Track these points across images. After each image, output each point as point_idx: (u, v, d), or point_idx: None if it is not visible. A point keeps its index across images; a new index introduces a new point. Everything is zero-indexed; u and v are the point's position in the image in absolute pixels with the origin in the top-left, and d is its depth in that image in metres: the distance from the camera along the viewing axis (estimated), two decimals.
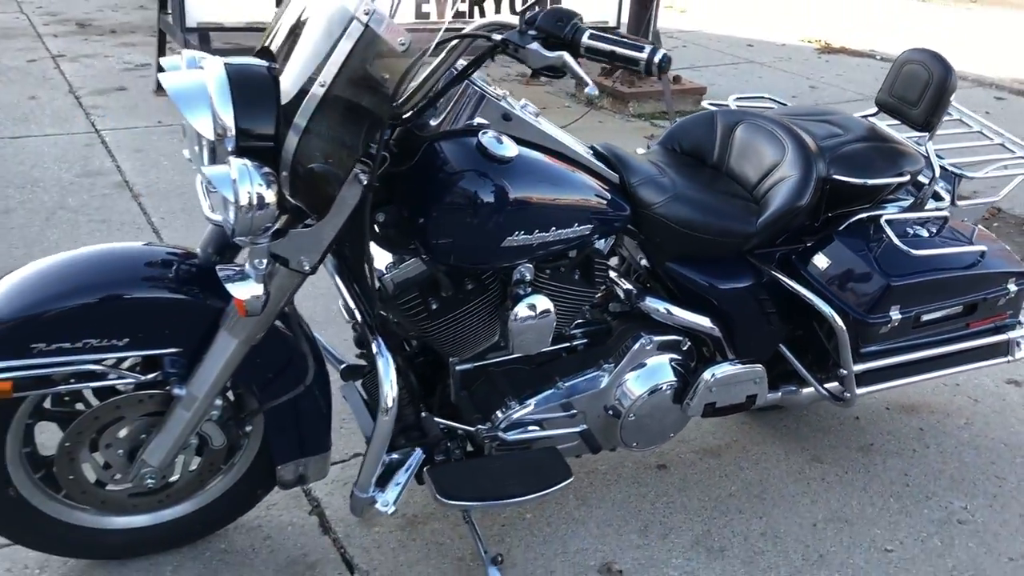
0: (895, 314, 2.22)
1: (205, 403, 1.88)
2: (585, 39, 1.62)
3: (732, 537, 2.34)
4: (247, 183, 1.52)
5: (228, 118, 1.55)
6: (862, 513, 2.44)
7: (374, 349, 1.84)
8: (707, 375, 2.24)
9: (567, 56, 1.60)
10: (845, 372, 2.28)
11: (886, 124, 2.54)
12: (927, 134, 2.44)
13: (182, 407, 1.87)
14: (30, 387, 1.77)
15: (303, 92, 1.56)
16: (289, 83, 1.60)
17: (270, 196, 1.55)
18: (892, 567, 2.27)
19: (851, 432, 2.78)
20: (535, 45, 1.61)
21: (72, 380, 1.79)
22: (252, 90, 1.59)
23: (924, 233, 2.33)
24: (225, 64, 1.62)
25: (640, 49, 1.61)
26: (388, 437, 1.88)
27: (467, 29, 1.75)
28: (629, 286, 2.20)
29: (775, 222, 2.19)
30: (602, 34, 1.64)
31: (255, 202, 1.54)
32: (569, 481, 2.04)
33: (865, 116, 2.60)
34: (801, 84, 7.10)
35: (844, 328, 2.19)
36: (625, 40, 1.64)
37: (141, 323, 1.78)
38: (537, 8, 1.66)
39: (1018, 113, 6.56)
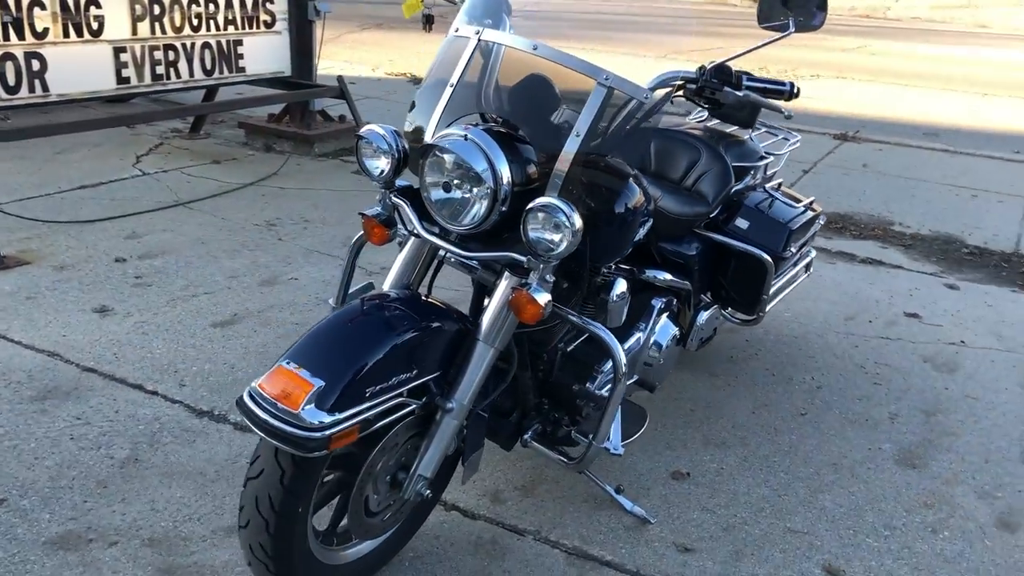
0: (793, 248, 3.29)
1: (467, 409, 2.26)
2: (745, 81, 2.36)
3: (726, 431, 3.22)
4: (574, 212, 2.03)
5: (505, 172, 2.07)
6: (774, 393, 3.49)
7: (597, 331, 2.36)
8: (700, 319, 3.09)
9: (752, 94, 2.33)
10: (766, 297, 3.29)
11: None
12: (750, 130, 3.54)
13: (451, 417, 2.23)
14: (368, 426, 2.03)
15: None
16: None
17: (579, 223, 2.06)
18: (807, 420, 3.34)
19: (749, 358, 3.81)
20: (726, 88, 2.31)
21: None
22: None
23: (779, 196, 3.43)
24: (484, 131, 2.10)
25: (781, 84, 2.40)
26: (621, 398, 2.42)
27: (667, 78, 2.33)
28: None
29: (722, 200, 3.12)
30: (750, 76, 2.40)
31: (579, 227, 2.05)
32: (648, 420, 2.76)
33: (700, 120, 3.63)
34: None
35: (772, 263, 3.18)
36: (765, 79, 2.41)
37: (418, 357, 2.13)
38: (707, 65, 2.35)
39: None
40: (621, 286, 2.51)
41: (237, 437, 2.97)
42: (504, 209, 2.11)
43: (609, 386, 2.58)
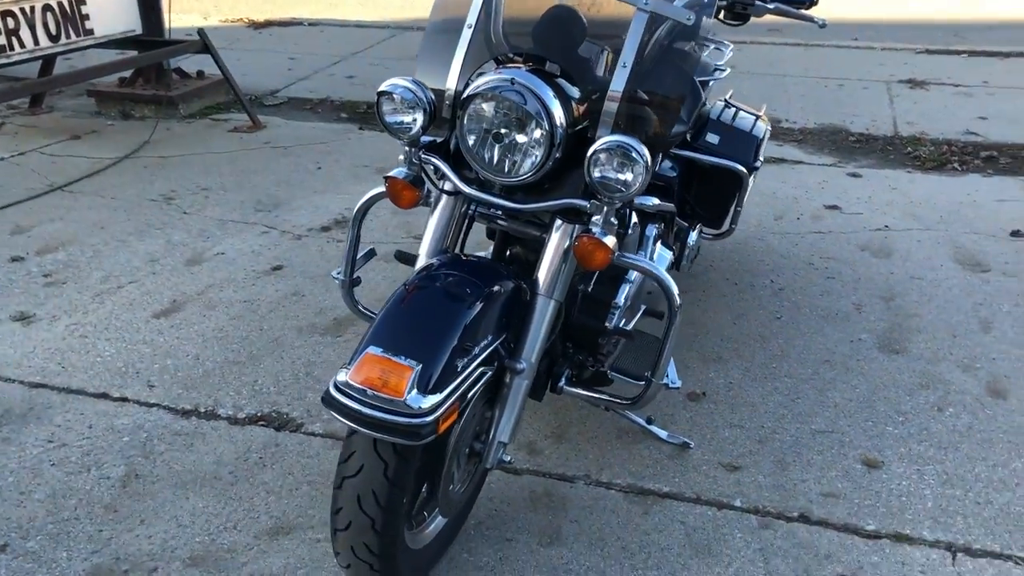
0: (761, 158, 3.33)
1: (535, 367, 2.18)
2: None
3: (718, 345, 3.28)
4: (644, 149, 1.95)
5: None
6: (744, 301, 3.58)
7: (650, 268, 2.31)
8: (691, 240, 3.10)
9: (782, 5, 2.29)
10: (740, 209, 3.33)
11: None
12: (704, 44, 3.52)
13: (522, 378, 2.15)
14: (463, 401, 1.93)
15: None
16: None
17: (650, 159, 1.99)
18: (785, 323, 3.45)
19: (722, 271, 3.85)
20: (757, 3, 2.25)
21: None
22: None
23: (736, 107, 3.45)
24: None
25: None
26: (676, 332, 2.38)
27: None
28: None
29: (697, 117, 3.10)
30: None
31: (650, 164, 1.98)
32: None
33: None
34: (282, 59, 7.66)
35: (747, 174, 3.22)
36: None
37: (489, 321, 2.02)
38: None
39: None
40: (633, 217, 2.46)
41: (237, 432, 2.76)
42: (559, 155, 2.00)
43: (632, 320, 2.55)
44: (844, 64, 7.44)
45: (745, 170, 3.14)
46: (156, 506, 2.47)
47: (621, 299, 2.58)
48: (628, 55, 2.02)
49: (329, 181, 4.86)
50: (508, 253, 2.46)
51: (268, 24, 8.94)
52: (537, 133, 1.97)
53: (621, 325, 2.48)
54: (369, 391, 1.77)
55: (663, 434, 2.73)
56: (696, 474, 2.60)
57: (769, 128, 3.51)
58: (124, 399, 2.94)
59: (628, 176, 1.94)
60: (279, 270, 3.82)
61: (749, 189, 3.21)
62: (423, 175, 2.18)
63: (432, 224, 2.20)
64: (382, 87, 2.08)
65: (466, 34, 2.13)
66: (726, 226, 3.35)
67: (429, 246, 2.19)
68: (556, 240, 2.11)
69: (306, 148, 5.41)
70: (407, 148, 2.14)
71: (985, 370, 3.12)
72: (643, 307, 2.78)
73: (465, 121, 2.02)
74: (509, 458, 2.17)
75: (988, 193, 4.75)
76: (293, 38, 8.38)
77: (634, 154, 1.91)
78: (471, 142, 2.04)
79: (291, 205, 4.52)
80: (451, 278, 2.01)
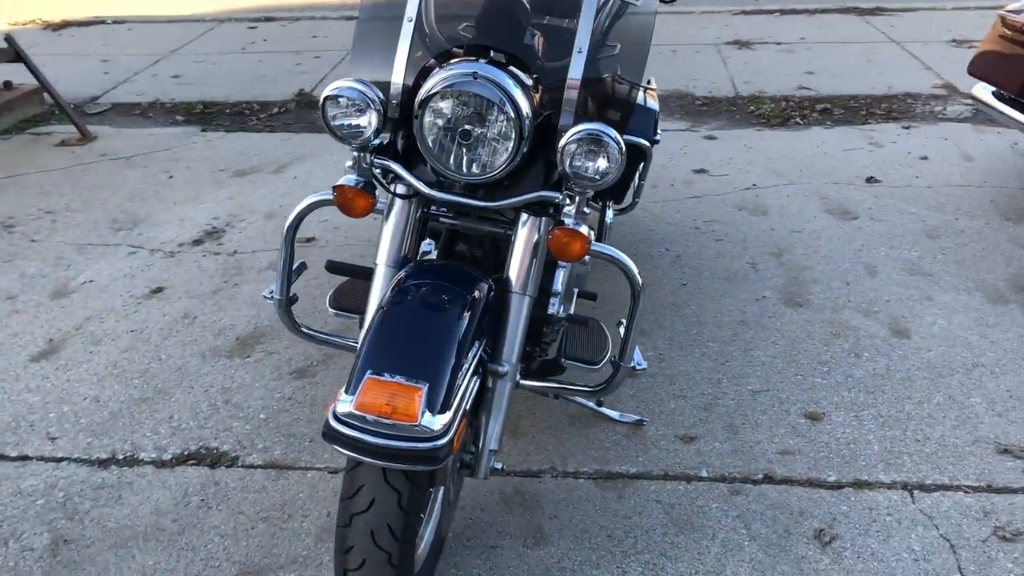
0: (660, 131, 3.38)
1: (517, 368, 2.13)
2: None
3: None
4: (618, 136, 1.93)
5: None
6: (647, 271, 3.64)
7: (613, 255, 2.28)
8: (608, 218, 3.11)
9: None
10: (643, 183, 3.37)
11: None
12: None
13: (505, 380, 2.09)
14: (467, 415, 1.86)
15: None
16: None
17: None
18: (692, 289, 3.53)
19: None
20: None
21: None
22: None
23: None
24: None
25: None
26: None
27: None
28: None
29: None
30: None
31: (624, 151, 1.95)
32: None
33: None
34: (93, 62, 7.10)
35: (649, 147, 3.26)
36: None
37: (474, 330, 1.96)
38: None
39: None
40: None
41: (168, 476, 2.55)
42: (526, 148, 1.94)
43: (571, 305, 2.53)
44: (670, 30, 7.67)
45: (648, 144, 3.16)
46: (98, 572, 2.23)
47: (558, 285, 2.54)
48: (583, 40, 1.97)
49: (187, 190, 4.55)
50: (454, 251, 2.38)
51: (66, 24, 8.25)
52: (506, 127, 1.89)
53: (560, 312, 2.45)
54: (378, 419, 1.65)
55: (615, 415, 2.73)
56: (657, 450, 2.61)
57: (657, 99, 3.55)
58: (24, 457, 2.64)
59: (603, 164, 1.89)
60: (160, 292, 3.54)
61: (651, 162, 3.24)
62: (375, 180, 2.05)
63: (388, 231, 2.09)
64: (328, 91, 1.94)
65: (407, 28, 2.01)
66: (628, 200, 3.37)
67: (387, 255, 2.08)
68: (524, 235, 2.05)
69: (149, 157, 5.04)
70: (356, 153, 2.01)
71: (884, 313, 3.31)
72: (576, 290, 2.76)
73: (425, 121, 1.91)
74: (501, 465, 2.10)
75: (835, 144, 5.03)
76: (98, 38, 7.78)
77: (609, 142, 1.87)
78: (431, 142, 1.93)
79: (152, 220, 4.20)
80: (429, 288, 1.91)
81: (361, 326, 2.54)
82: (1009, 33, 4.08)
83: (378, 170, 2.04)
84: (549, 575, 2.20)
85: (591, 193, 1.97)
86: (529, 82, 1.99)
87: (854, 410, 2.77)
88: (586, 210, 2.00)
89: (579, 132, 1.87)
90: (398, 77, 2.00)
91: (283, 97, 6.00)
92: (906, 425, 2.69)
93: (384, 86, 2.01)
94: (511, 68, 1.97)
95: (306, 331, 2.42)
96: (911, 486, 2.46)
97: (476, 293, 1.93)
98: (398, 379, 1.68)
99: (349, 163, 2.04)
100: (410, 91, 2.00)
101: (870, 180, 4.48)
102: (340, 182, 2.02)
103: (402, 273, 1.97)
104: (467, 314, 1.85)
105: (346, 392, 1.71)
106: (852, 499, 2.41)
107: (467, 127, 1.90)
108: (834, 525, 2.32)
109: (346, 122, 1.96)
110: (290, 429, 2.74)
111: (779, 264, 3.68)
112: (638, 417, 2.70)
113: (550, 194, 1.98)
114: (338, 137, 1.98)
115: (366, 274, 2.53)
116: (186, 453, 2.64)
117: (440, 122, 1.91)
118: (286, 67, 6.70)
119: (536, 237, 2.04)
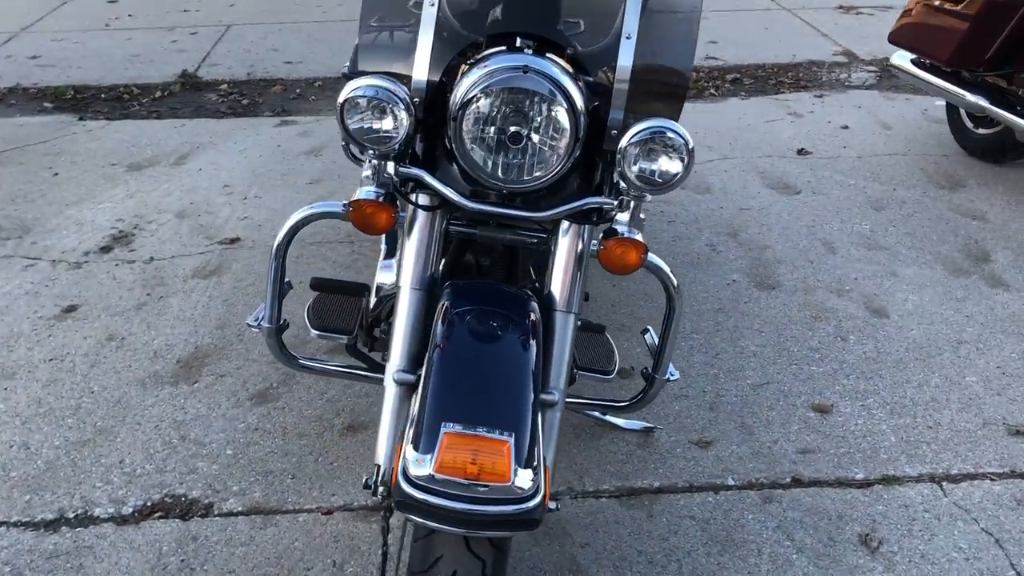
0: None
1: (565, 395, 1.92)
2: None
3: (610, 313, 3.14)
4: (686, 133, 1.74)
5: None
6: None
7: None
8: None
9: None
10: None
11: None
12: None
13: (556, 410, 1.87)
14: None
15: None
16: None
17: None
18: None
19: None
20: None
21: None
22: None
23: None
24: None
25: None
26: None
27: None
28: None
29: None
30: None
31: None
32: None
33: None
34: None
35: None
36: None
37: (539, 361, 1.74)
38: None
39: None
40: None
41: (134, 535, 2.21)
42: (579, 150, 1.71)
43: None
44: None
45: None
46: None
47: None
48: (631, 24, 1.75)
49: (77, 189, 4.06)
50: (461, 262, 2.14)
51: None
52: (561, 126, 1.65)
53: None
54: (467, 483, 1.40)
55: (621, 423, 2.55)
56: (674, 459, 2.45)
57: None
58: None
59: (673, 167, 1.68)
60: (74, 311, 3.11)
61: None
62: (396, 192, 1.77)
63: (412, 248, 1.81)
64: (346, 94, 1.64)
65: (429, 13, 1.73)
66: None
67: (414, 276, 1.81)
68: (567, 245, 1.82)
69: (25, 151, 4.48)
70: (375, 162, 1.72)
71: (855, 291, 3.25)
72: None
73: (466, 125, 1.65)
74: (556, 505, 1.87)
75: (755, 115, 4.98)
76: None
77: (679, 141, 1.65)
78: (470, 146, 1.67)
79: (44, 226, 3.71)
80: (483, 317, 1.66)
81: (351, 347, 2.27)
82: (937, 3, 4.08)
83: (396, 181, 1.76)
84: None
85: (649, 198, 1.75)
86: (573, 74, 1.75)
87: (859, 399, 2.68)
88: (642, 215, 1.78)
89: (643, 131, 1.65)
90: (421, 73, 1.72)
91: (165, 79, 5.49)
92: (914, 412, 2.63)
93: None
94: (554, 58, 1.72)
95: (304, 363, 2.12)
96: (938, 478, 2.39)
97: (532, 316, 1.70)
98: (480, 432, 1.43)
99: (367, 173, 1.75)
100: (436, 89, 1.73)
101: (801, 152, 4.45)
102: (358, 196, 1.73)
103: (445, 301, 1.70)
104: (531, 343, 1.63)
105: (415, 448, 1.44)
106: (885, 497, 2.32)
107: (516, 129, 1.65)
108: (876, 528, 2.22)
109: (370, 126, 1.66)
110: (265, 465, 2.42)
111: (738, 245, 3.58)
112: (646, 424, 2.53)
113: (605, 200, 1.75)
114: (361, 144, 1.68)
115: (354, 290, 2.25)
116: (150, 504, 2.30)
117: (485, 125, 1.65)
118: (161, 45, 6.14)
119: (580, 247, 1.82)
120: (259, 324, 2.07)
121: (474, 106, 1.63)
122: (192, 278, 3.30)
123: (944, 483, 2.37)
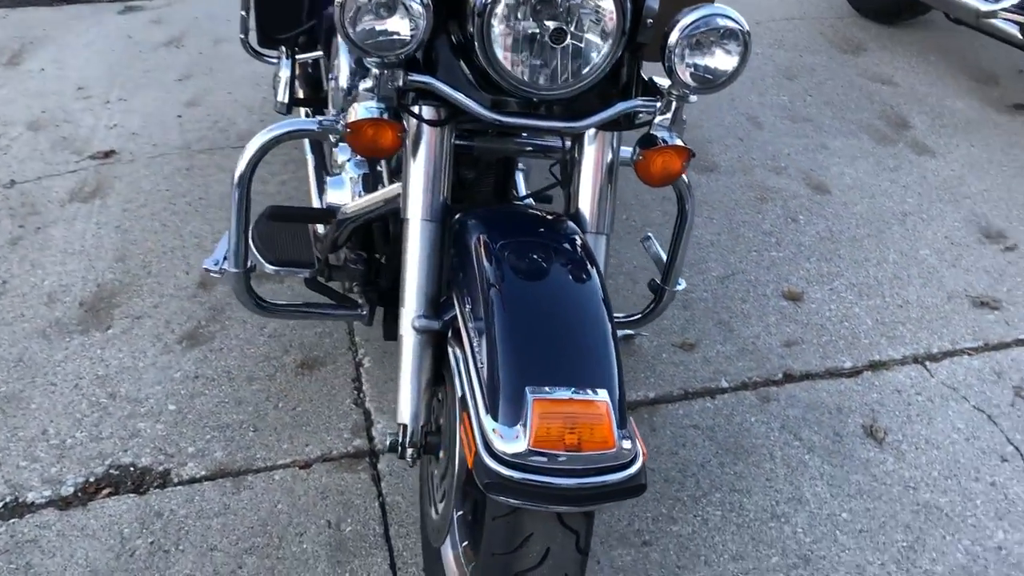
0: None
1: None
2: None
3: None
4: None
5: None
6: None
7: None
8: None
9: None
10: None
11: None
12: None
13: None
14: None
15: None
16: None
17: None
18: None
19: None
20: None
21: None
22: None
23: None
24: None
25: None
26: None
27: None
28: None
29: None
30: None
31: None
32: None
33: None
34: None
35: None
36: None
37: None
38: None
39: None
40: None
41: (84, 518, 1.91)
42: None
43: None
44: None
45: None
46: None
47: (522, 190, 2.17)
48: None
49: None
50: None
51: None
52: (611, 16, 1.40)
53: None
54: (566, 454, 1.20)
55: None
56: (663, 365, 2.33)
57: None
58: None
59: (730, 61, 1.47)
60: None
61: None
62: (400, 106, 1.48)
63: (420, 171, 1.54)
64: None
65: None
66: None
67: (424, 205, 1.54)
68: (594, 156, 1.60)
69: None
70: (378, 71, 1.42)
71: (792, 168, 3.18)
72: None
73: (495, 23, 1.37)
74: None
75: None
76: None
77: (738, 30, 1.44)
78: (499, 48, 1.40)
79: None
80: (532, 250, 1.44)
81: (311, 280, 1.99)
82: None
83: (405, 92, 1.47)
84: (625, 540, 1.88)
85: (695, 98, 1.54)
86: None
87: (826, 282, 2.64)
88: (684, 117, 1.57)
89: (696, 21, 1.42)
90: None
91: None
92: (881, 291, 2.61)
93: None
94: None
95: (278, 307, 1.83)
96: (920, 358, 2.38)
97: (579, 242, 1.48)
98: (574, 394, 1.23)
99: (367, 86, 1.44)
100: None
101: None
102: (359, 116, 1.43)
103: (477, 234, 1.45)
104: (594, 275, 1.42)
105: (494, 419, 1.23)
106: (877, 384, 2.30)
107: (557, 24, 1.38)
108: (877, 418, 2.19)
109: (381, 28, 1.36)
110: (218, 419, 2.13)
111: None
112: (626, 331, 2.38)
113: (647, 103, 1.53)
114: (364, 50, 1.37)
115: (318, 217, 1.95)
116: (93, 480, 1.98)
117: (519, 21, 1.37)
118: None
119: (611, 158, 1.59)
120: (221, 268, 1.75)
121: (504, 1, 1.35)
122: (70, 202, 2.85)
123: (927, 363, 2.36)
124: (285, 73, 2.42)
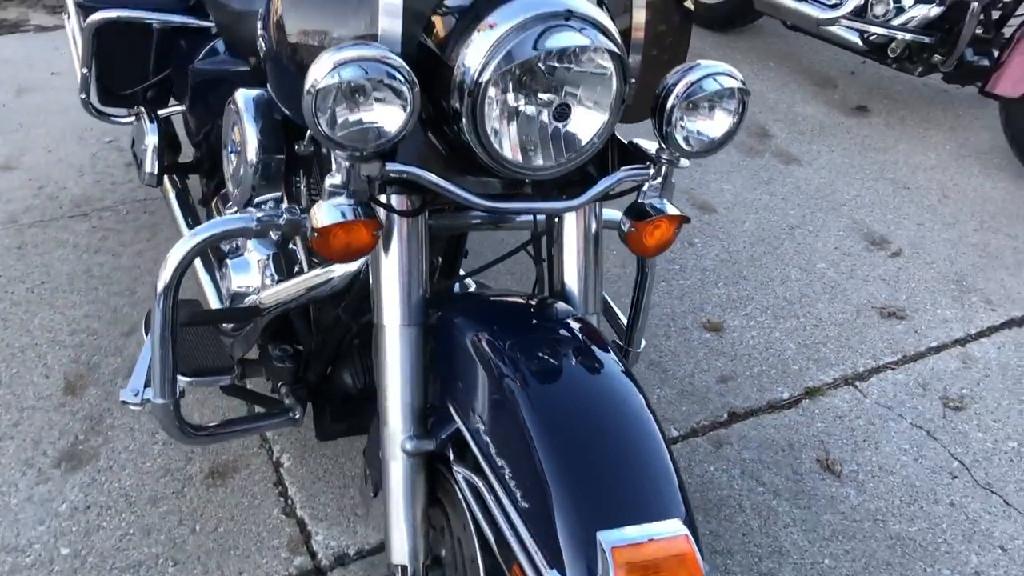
0: None
1: None
2: None
3: None
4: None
5: None
6: None
7: None
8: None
9: None
10: None
11: None
12: None
13: None
14: None
15: None
16: None
17: None
18: None
19: None
20: None
21: None
22: None
23: None
24: None
25: None
26: None
27: None
28: None
29: None
30: None
31: None
32: None
33: None
34: None
35: None
36: None
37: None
38: None
39: None
40: None
41: None
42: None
43: None
44: None
45: None
46: None
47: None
48: None
49: None
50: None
51: None
52: (614, 85, 1.25)
53: None
54: None
55: None
56: None
57: None
58: None
59: (727, 122, 1.35)
60: None
61: None
62: (372, 200, 1.27)
63: (393, 268, 1.33)
64: (320, 78, 1.10)
65: None
66: None
67: (403, 306, 1.34)
68: (577, 229, 1.45)
69: None
70: (352, 165, 1.21)
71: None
72: None
73: (489, 103, 1.19)
74: None
75: None
76: None
77: (740, 88, 1.33)
78: (493, 129, 1.22)
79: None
80: (550, 347, 1.27)
81: (231, 386, 1.74)
82: None
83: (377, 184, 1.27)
84: None
85: (687, 163, 1.41)
86: None
87: (739, 308, 2.61)
88: (673, 181, 1.45)
89: (696, 83, 1.29)
90: (392, 25, 1.20)
91: None
92: (793, 312, 2.61)
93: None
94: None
95: (205, 429, 1.58)
96: (850, 379, 2.39)
97: (589, 331, 1.33)
98: (652, 534, 1.07)
99: (335, 181, 1.22)
100: (421, 49, 1.23)
101: None
102: (329, 220, 1.20)
103: (478, 334, 1.27)
104: (623, 369, 1.27)
105: (562, 572, 1.05)
106: (818, 412, 2.28)
107: (563, 101, 1.22)
108: (828, 450, 2.17)
109: (356, 117, 1.14)
110: (126, 556, 1.83)
111: None
112: None
113: (641, 172, 1.39)
114: (340, 146, 1.15)
115: (241, 317, 1.70)
116: None
117: (519, 100, 1.20)
118: None
119: (595, 228, 1.45)
120: (143, 399, 1.46)
121: (503, 78, 1.16)
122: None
123: (857, 383, 2.37)
124: (152, 139, 2.11)
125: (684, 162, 1.38)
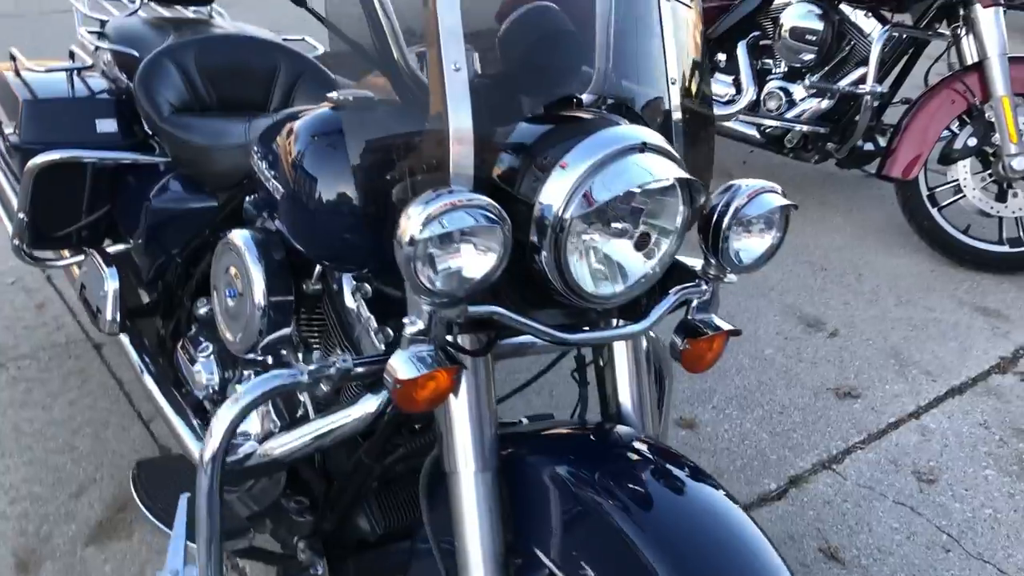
0: None
1: None
2: None
3: None
4: None
5: None
6: None
7: None
8: None
9: None
10: None
11: None
12: None
13: None
14: None
15: None
16: None
17: None
18: None
19: None
20: None
21: None
22: None
23: None
24: None
25: None
26: None
27: None
28: None
29: None
30: None
31: None
32: None
33: None
34: None
35: None
36: None
37: None
38: None
39: None
40: None
41: None
42: None
43: None
44: None
45: None
46: None
47: None
48: (672, 65, 1.39)
49: None
50: None
51: None
52: (681, 207, 1.27)
53: None
54: None
55: None
56: None
57: None
58: None
59: (771, 238, 1.39)
60: None
61: None
62: (449, 345, 1.23)
63: (463, 411, 1.27)
64: (425, 226, 1.06)
65: (456, 79, 1.17)
66: None
67: (477, 446, 1.27)
68: (630, 351, 1.44)
69: None
70: (434, 311, 1.17)
71: None
72: None
73: (573, 237, 1.18)
74: None
75: None
76: None
77: (780, 206, 1.36)
78: (574, 261, 1.21)
79: None
80: (639, 476, 1.25)
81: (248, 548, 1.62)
82: None
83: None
84: None
85: (735, 278, 1.43)
86: None
87: (706, 400, 2.64)
88: (717, 295, 1.46)
89: (748, 203, 1.32)
90: (464, 160, 1.18)
91: None
92: (758, 400, 2.66)
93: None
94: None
95: None
96: (827, 463, 2.44)
97: (667, 453, 1.31)
98: None
99: (416, 328, 1.16)
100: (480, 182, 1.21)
101: None
102: (412, 373, 1.14)
103: (561, 469, 1.22)
104: (715, 484, 1.25)
105: None
106: (806, 500, 2.31)
107: (644, 230, 1.22)
108: (827, 537, 2.20)
109: (446, 264, 1.11)
110: None
111: None
112: None
113: (696, 288, 1.39)
114: (432, 295, 1.11)
115: (258, 473, 1.60)
116: None
117: (602, 233, 1.19)
118: None
119: (645, 347, 1.44)
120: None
121: (590, 212, 1.15)
122: None
123: (834, 466, 2.42)
124: (112, 284, 1.98)
125: (732, 277, 1.39)
